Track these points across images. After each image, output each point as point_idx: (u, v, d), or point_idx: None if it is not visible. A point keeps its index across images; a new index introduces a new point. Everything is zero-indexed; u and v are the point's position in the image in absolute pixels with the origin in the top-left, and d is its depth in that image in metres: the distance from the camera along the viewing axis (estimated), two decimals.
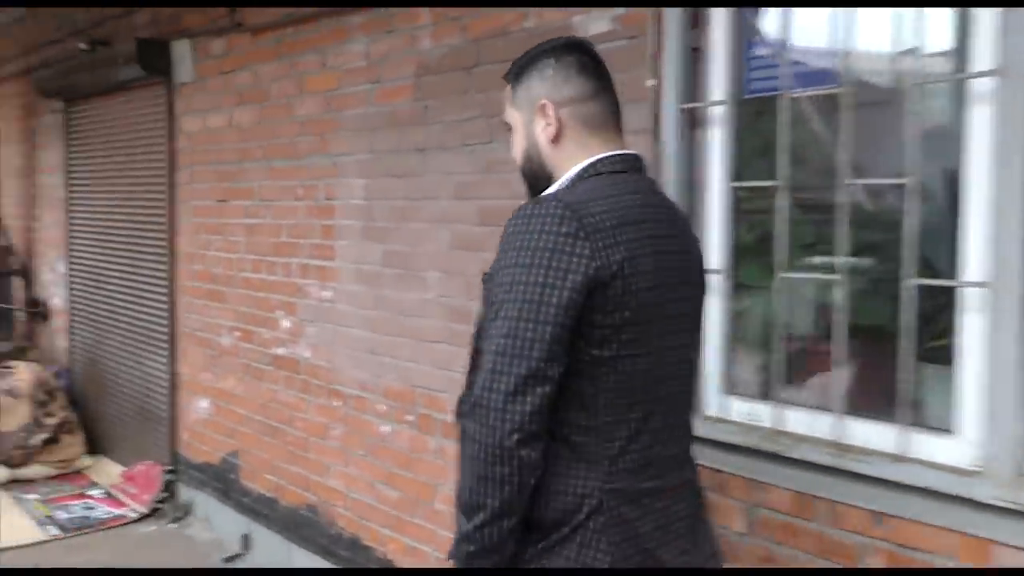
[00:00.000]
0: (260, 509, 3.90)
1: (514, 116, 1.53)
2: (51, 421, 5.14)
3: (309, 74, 3.51)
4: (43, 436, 5.01)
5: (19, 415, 5.04)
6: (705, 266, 1.58)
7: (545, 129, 1.47)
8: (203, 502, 4.33)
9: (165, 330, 4.55)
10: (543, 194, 1.43)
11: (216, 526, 4.21)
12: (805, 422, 2.03)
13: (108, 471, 5.08)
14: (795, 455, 1.99)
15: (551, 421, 1.32)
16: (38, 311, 6.00)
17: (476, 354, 1.42)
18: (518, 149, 1.54)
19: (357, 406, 3.33)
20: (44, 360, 5.70)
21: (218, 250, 4.13)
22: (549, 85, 1.46)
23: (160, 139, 4.50)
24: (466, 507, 1.33)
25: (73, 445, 5.18)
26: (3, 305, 5.98)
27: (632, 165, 1.47)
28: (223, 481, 4.17)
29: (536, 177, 1.52)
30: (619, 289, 1.31)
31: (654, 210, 1.42)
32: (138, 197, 4.76)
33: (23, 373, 5.27)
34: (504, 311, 1.30)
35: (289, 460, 3.70)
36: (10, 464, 4.88)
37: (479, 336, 1.42)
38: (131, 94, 4.76)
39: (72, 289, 5.57)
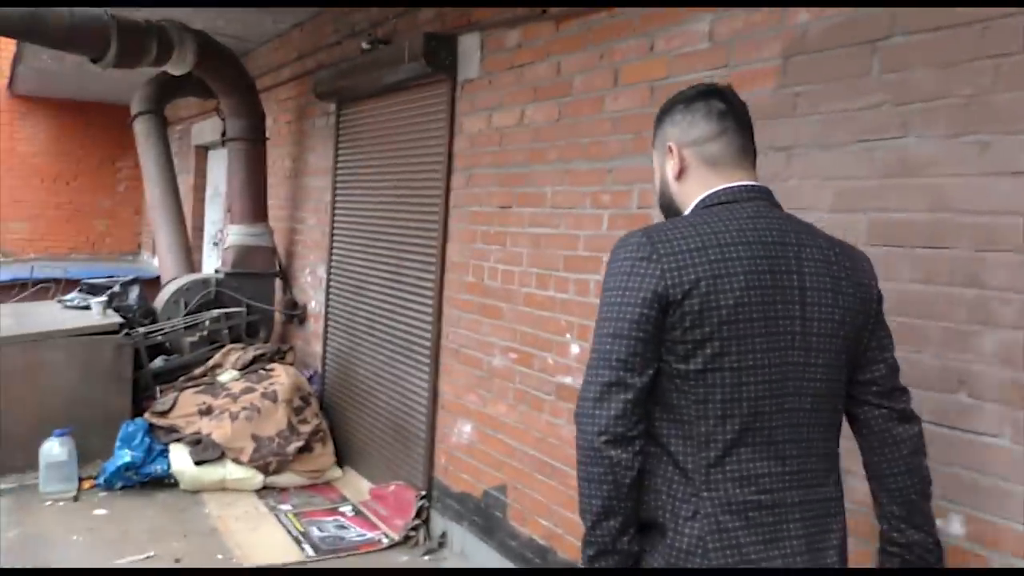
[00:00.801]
0: (530, 556, 3.44)
1: (654, 157, 1.74)
2: (305, 428, 5.01)
3: (628, 63, 3.03)
4: (298, 444, 4.88)
5: (277, 420, 4.95)
6: (858, 290, 1.59)
7: (672, 167, 1.66)
8: (460, 536, 3.95)
9: (427, 344, 4.25)
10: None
11: (475, 565, 3.81)
12: None
13: (357, 486, 4.87)
14: None
15: (650, 429, 1.50)
16: (295, 314, 5.99)
17: None
18: (656, 187, 1.75)
19: None
20: (298, 364, 5.64)
21: (497, 261, 3.75)
22: (677, 130, 1.65)
23: (438, 140, 4.21)
24: (581, 513, 1.50)
25: (324, 455, 5.02)
26: (264, 306, 6.02)
27: (746, 196, 1.59)
28: (485, 517, 3.76)
29: (668, 211, 1.71)
30: (696, 306, 1.45)
31: (760, 234, 1.52)
32: (408, 202, 4.52)
33: (282, 376, 5.20)
34: (596, 329, 1.52)
35: (570, 506, 3.21)
36: (266, 470, 4.77)
37: None
38: (408, 94, 4.54)
39: (330, 294, 5.47)
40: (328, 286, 5.49)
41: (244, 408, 4.94)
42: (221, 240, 8.82)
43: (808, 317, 1.52)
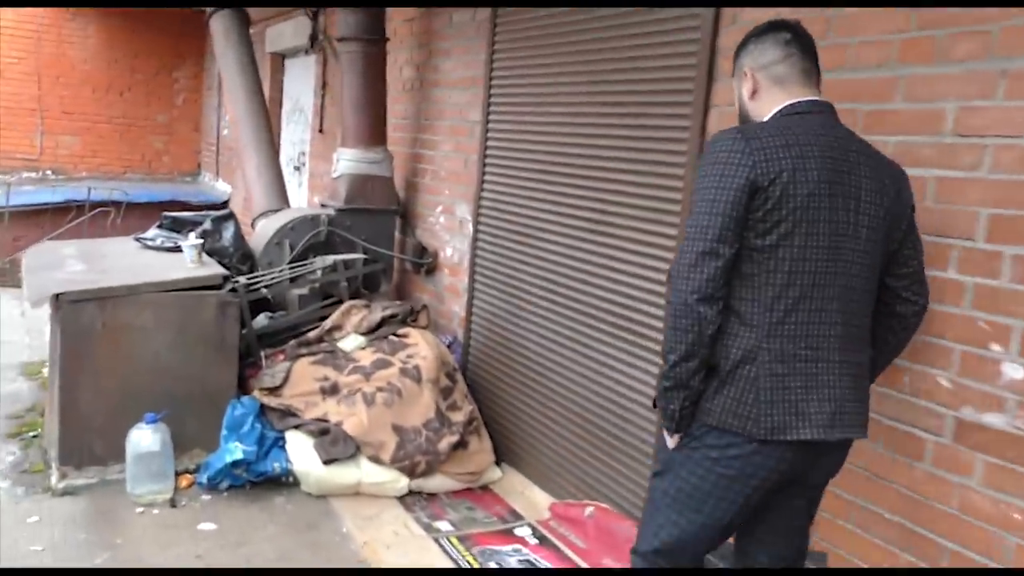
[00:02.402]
0: None
1: (734, 84, 2.05)
2: (457, 417, 3.90)
3: None
4: (452, 440, 3.76)
5: (423, 406, 3.83)
6: (900, 198, 1.92)
7: (747, 88, 1.98)
8: None
9: (655, 321, 3.06)
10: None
11: None
12: None
13: (526, 495, 3.77)
14: None
15: (727, 294, 1.82)
16: (425, 262, 4.81)
17: None
18: (736, 108, 2.06)
19: None
20: (431, 328, 4.50)
21: None
22: (750, 57, 1.98)
23: (685, 59, 2.94)
24: (666, 354, 1.84)
25: (481, 452, 3.92)
26: (385, 251, 4.86)
27: (816, 109, 1.90)
28: None
29: (741, 123, 2.02)
30: (777, 192, 1.77)
31: (828, 140, 1.84)
32: (626, 132, 3.27)
33: (421, 346, 4.07)
34: (694, 208, 1.82)
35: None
36: (412, 472, 3.68)
37: None
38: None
39: (479, 240, 4.28)
40: (476, 230, 4.29)
41: (380, 389, 3.83)
42: (301, 165, 7.67)
43: (861, 212, 1.85)
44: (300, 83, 7.69)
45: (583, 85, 3.50)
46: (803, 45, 1.94)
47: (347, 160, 4.83)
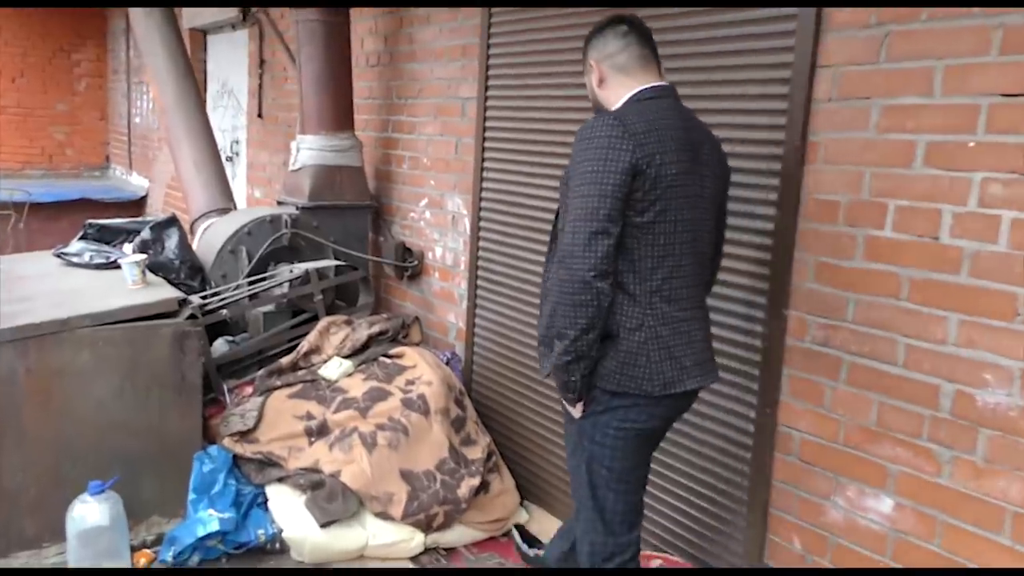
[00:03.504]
0: None
1: (584, 78, 2.20)
2: (475, 453, 3.26)
3: None
4: (473, 483, 3.13)
5: (434, 444, 3.18)
6: (724, 163, 2.16)
7: (595, 78, 2.13)
8: None
9: (756, 338, 2.49)
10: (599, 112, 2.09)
11: None
12: None
13: None
14: None
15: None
16: (407, 265, 4.13)
17: (554, 239, 2.14)
18: (589, 96, 2.21)
19: None
20: (425, 343, 3.84)
21: (915, 198, 1.99)
22: (594, 51, 2.13)
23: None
24: (560, 331, 1.95)
25: (505, 493, 3.29)
26: (362, 255, 4.15)
27: (662, 93, 2.06)
28: None
29: (598, 112, 2.13)
30: (652, 174, 1.92)
31: (677, 122, 2.01)
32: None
33: (422, 368, 3.41)
34: (579, 192, 1.92)
35: None
36: (428, 527, 3.03)
37: (557, 224, 2.12)
38: None
39: (480, 239, 3.63)
40: (476, 226, 3.64)
41: (381, 427, 3.16)
42: (235, 155, 6.82)
43: (705, 185, 2.06)
44: (228, 62, 6.82)
45: None
46: (640, 35, 2.11)
47: (309, 149, 4.10)
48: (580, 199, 1.91)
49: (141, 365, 2.93)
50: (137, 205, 8.93)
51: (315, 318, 3.75)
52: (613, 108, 2.06)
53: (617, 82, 2.08)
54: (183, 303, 3.10)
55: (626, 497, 2.13)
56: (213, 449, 3.09)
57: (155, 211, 8.54)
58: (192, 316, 3.08)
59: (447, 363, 3.72)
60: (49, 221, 8.34)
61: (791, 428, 2.39)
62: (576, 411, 2.08)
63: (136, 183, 9.15)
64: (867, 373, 2.20)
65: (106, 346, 2.86)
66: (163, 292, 3.14)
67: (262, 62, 5.79)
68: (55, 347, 2.78)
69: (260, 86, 5.85)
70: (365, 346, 3.61)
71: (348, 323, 3.69)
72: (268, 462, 3.14)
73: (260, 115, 5.89)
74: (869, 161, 2.17)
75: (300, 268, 3.76)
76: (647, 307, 1.98)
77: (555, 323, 1.95)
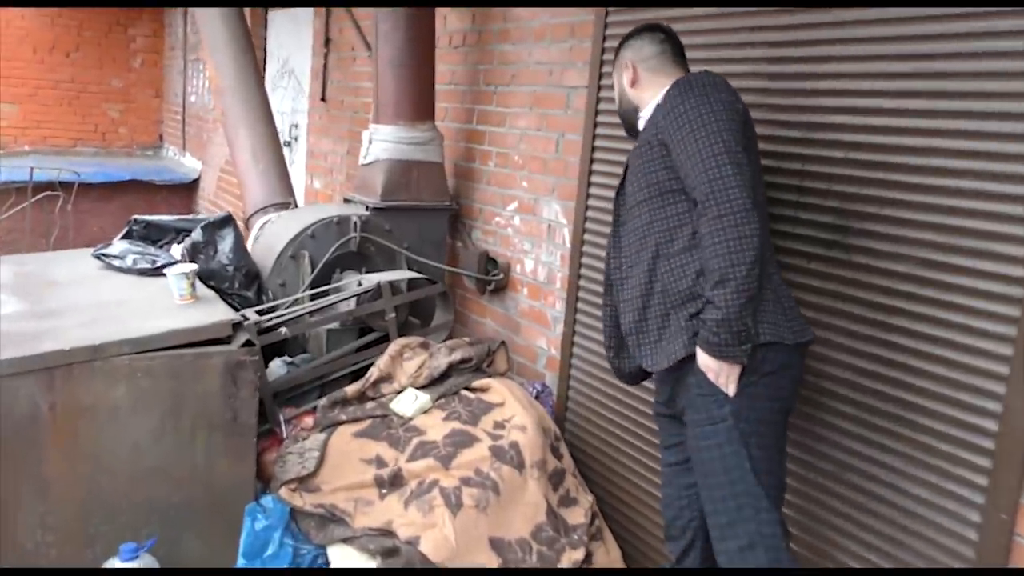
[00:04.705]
0: None
1: (614, 77, 2.27)
2: (577, 517, 2.72)
3: None
4: (577, 556, 2.59)
5: (529, 505, 2.64)
6: None
7: (628, 78, 2.19)
8: None
9: (989, 405, 1.90)
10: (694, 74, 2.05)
11: None
12: None
13: None
14: None
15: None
16: (491, 278, 3.59)
17: (617, 222, 2.20)
18: (616, 100, 2.28)
19: None
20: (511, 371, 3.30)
21: None
22: (631, 51, 2.19)
23: None
24: (723, 278, 1.81)
25: (611, 565, 2.74)
26: (441, 266, 3.62)
27: None
28: None
29: (627, 112, 2.24)
30: (743, 120, 1.96)
31: None
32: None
33: (514, 408, 2.87)
34: (704, 132, 1.88)
35: None
36: None
37: (619, 202, 2.21)
38: None
39: (584, 254, 3.07)
40: (581, 239, 3.08)
41: (467, 482, 2.63)
42: (293, 140, 6.34)
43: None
44: (289, 40, 6.33)
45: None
46: (674, 44, 2.19)
47: (384, 141, 3.57)
48: (710, 136, 1.87)
49: (186, 401, 2.44)
50: (189, 188, 8.56)
51: (386, 338, 3.24)
52: (645, 106, 2.15)
53: (650, 81, 2.15)
54: (238, 326, 2.59)
55: (781, 473, 2.00)
56: (268, 500, 2.59)
57: (208, 194, 8.15)
58: (248, 343, 2.57)
59: (536, 397, 3.18)
60: (100, 202, 8.00)
61: None
62: (735, 375, 1.89)
63: (189, 165, 8.77)
64: None
65: (145, 378, 2.37)
66: (215, 312, 2.63)
67: (327, 41, 5.28)
68: (85, 379, 2.30)
69: (325, 67, 5.34)
70: (444, 375, 3.09)
71: (424, 347, 3.17)
72: (331, 517, 2.63)
73: (323, 99, 5.38)
74: None
75: (371, 280, 3.24)
76: (764, 248, 1.89)
77: (716, 267, 1.83)
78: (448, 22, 3.92)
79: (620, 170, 2.88)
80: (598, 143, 2.98)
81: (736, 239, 1.81)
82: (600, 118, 2.96)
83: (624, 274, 2.11)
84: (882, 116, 2.06)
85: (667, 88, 2.04)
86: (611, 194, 2.91)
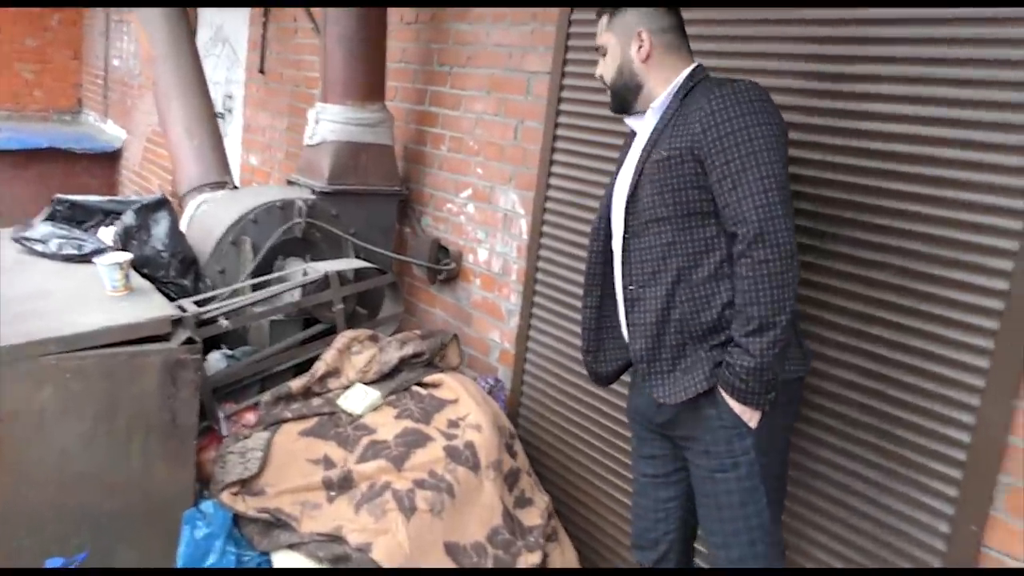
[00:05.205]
0: None
1: (610, 41, 1.94)
2: (533, 518, 2.64)
3: None
4: (534, 559, 2.52)
5: (485, 507, 2.55)
6: None
7: (639, 51, 1.89)
8: None
9: (963, 417, 1.89)
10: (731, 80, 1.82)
11: None
12: None
13: None
14: None
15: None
16: (442, 267, 3.47)
17: (629, 232, 1.89)
18: (609, 68, 1.95)
19: None
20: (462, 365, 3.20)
21: None
22: (644, 18, 1.89)
23: None
24: (764, 324, 1.69)
25: (566, 566, 2.68)
26: (389, 254, 3.48)
27: (704, 74, 1.89)
28: None
29: (627, 88, 1.94)
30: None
31: None
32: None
33: (468, 406, 2.77)
34: (758, 159, 1.70)
35: None
36: None
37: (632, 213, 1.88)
38: None
39: (543, 246, 2.97)
40: (539, 231, 2.98)
41: (420, 484, 2.52)
42: (227, 111, 6.05)
43: None
44: (222, 10, 6.02)
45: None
46: (680, 21, 1.94)
47: (331, 121, 3.40)
48: (761, 167, 1.70)
49: (120, 403, 2.26)
50: (112, 158, 8.12)
51: (332, 330, 3.09)
52: (657, 91, 1.90)
53: (664, 62, 1.90)
54: (177, 322, 2.41)
55: (782, 495, 1.95)
56: (208, 506, 2.44)
57: (132, 165, 7.75)
58: (190, 340, 2.39)
59: (489, 392, 3.09)
60: (16, 169, 7.51)
61: (1005, 554, 1.79)
62: (756, 419, 1.80)
63: (111, 132, 8.32)
64: None
65: (75, 379, 2.18)
66: (152, 306, 2.45)
67: (267, 10, 5.02)
68: (6, 382, 2.10)
69: (263, 37, 5.09)
70: (395, 370, 2.97)
71: (374, 340, 3.04)
72: (276, 522, 2.49)
73: (262, 71, 5.13)
74: None
75: (317, 269, 3.08)
76: None
77: (756, 314, 1.70)
78: None
79: (584, 162, 2.80)
80: (560, 132, 2.88)
81: (780, 287, 1.68)
82: (563, 106, 2.86)
83: (635, 295, 1.89)
84: (868, 120, 2.01)
85: (685, 77, 1.86)
86: (575, 187, 2.83)
